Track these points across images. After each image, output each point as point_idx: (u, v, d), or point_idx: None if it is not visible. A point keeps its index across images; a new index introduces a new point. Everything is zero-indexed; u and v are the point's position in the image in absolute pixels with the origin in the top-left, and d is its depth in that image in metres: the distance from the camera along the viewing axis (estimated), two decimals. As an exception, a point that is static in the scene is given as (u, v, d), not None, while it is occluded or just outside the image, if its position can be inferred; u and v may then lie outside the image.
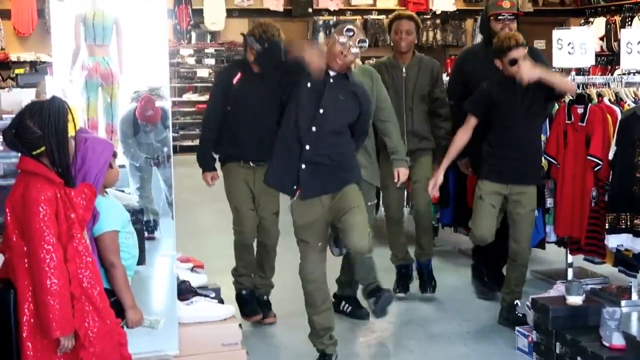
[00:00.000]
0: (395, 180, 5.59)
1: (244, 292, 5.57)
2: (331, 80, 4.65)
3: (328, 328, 4.79)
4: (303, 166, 4.60)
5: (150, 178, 4.64)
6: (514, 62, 5.24)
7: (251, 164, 5.37)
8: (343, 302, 5.80)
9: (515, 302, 5.51)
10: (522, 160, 5.40)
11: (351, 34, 4.58)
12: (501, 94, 5.38)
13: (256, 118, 5.24)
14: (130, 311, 3.71)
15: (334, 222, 4.69)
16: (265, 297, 5.72)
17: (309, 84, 4.60)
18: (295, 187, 4.63)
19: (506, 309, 5.58)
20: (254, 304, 5.55)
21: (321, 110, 4.59)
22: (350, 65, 4.74)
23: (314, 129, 4.58)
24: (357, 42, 4.60)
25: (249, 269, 5.61)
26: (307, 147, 4.58)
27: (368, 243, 4.69)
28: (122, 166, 4.29)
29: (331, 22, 15.38)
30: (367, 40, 4.73)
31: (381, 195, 6.31)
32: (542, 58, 5.96)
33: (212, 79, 5.99)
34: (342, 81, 4.69)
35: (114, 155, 3.83)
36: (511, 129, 5.37)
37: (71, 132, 3.35)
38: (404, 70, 6.01)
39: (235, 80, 5.34)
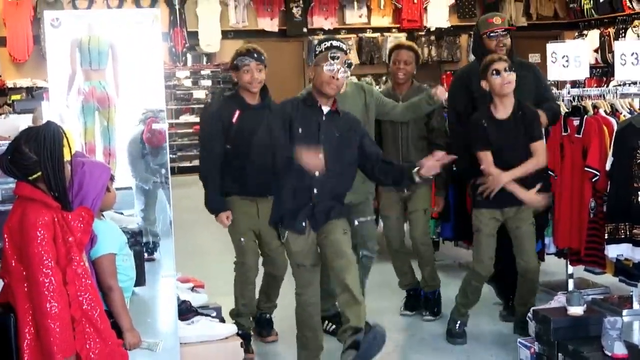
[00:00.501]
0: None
1: (240, 332, 5.24)
2: (324, 119, 4.59)
3: (321, 347, 4.82)
4: (311, 205, 4.57)
5: (156, 200, 4.65)
6: (497, 72, 5.25)
7: (254, 196, 5.31)
8: (326, 322, 5.69)
9: (528, 315, 5.50)
10: (515, 182, 5.34)
11: (336, 59, 4.52)
12: (489, 124, 5.38)
13: (258, 153, 5.15)
14: (128, 334, 3.70)
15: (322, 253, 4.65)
16: (267, 315, 5.71)
17: (300, 130, 4.52)
18: (304, 224, 4.60)
19: (522, 320, 5.56)
20: (249, 346, 5.35)
21: (320, 156, 4.47)
22: (341, 88, 4.67)
23: (317, 173, 4.50)
24: (344, 65, 4.54)
25: (250, 308, 5.47)
26: (315, 191, 4.55)
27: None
28: (120, 189, 4.29)
29: (315, 41, 15.29)
30: (352, 62, 4.66)
31: (382, 225, 6.31)
32: (536, 72, 5.96)
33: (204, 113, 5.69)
34: (333, 117, 4.63)
35: (111, 178, 3.84)
36: (501, 155, 5.34)
37: (67, 157, 3.36)
38: (399, 100, 5.98)
39: (234, 119, 5.22)
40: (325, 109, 4.60)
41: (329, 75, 4.50)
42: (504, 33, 5.85)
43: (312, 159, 4.38)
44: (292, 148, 4.44)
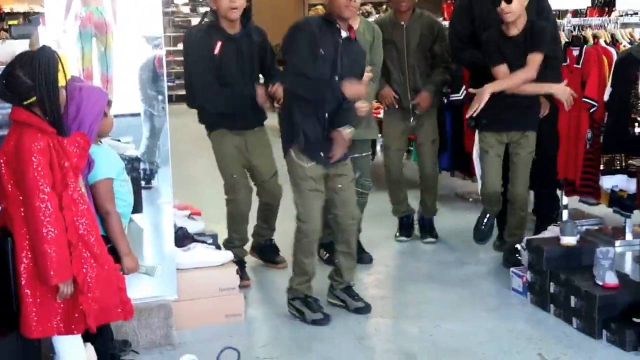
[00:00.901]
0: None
1: (235, 260, 5.20)
2: (341, 42, 4.65)
3: (313, 272, 4.88)
4: (327, 134, 4.65)
5: (162, 127, 4.63)
6: (497, 1, 5.20)
7: (241, 130, 5.28)
8: (321, 250, 5.78)
9: (516, 245, 5.56)
10: (520, 106, 5.35)
11: None
12: (499, 41, 5.35)
13: (241, 84, 5.12)
14: (126, 258, 3.74)
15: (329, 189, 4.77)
16: (271, 241, 5.75)
17: (322, 51, 4.57)
18: (322, 154, 4.67)
19: (508, 251, 5.64)
20: (244, 274, 5.39)
21: (336, 78, 4.60)
22: (358, 9, 4.75)
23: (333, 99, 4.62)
24: None
25: (243, 240, 5.48)
26: (327, 115, 4.63)
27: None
28: (118, 115, 4.29)
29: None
30: None
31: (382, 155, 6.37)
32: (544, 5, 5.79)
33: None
34: (349, 43, 4.71)
35: (109, 103, 3.84)
36: (512, 71, 5.30)
37: (62, 82, 3.35)
38: (405, 27, 6.01)
39: (216, 51, 5.09)
40: (344, 34, 4.67)
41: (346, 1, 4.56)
42: None
43: (357, 89, 4.60)
44: (313, 68, 4.55)
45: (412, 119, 6.09)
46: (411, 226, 6.40)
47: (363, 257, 5.76)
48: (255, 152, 5.31)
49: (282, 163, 4.99)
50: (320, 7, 6.44)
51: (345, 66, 4.65)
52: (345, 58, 4.65)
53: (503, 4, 5.18)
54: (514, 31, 5.28)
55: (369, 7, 15.84)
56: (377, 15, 14.29)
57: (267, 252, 5.77)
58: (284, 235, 5.55)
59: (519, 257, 5.48)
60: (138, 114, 4.65)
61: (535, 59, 5.24)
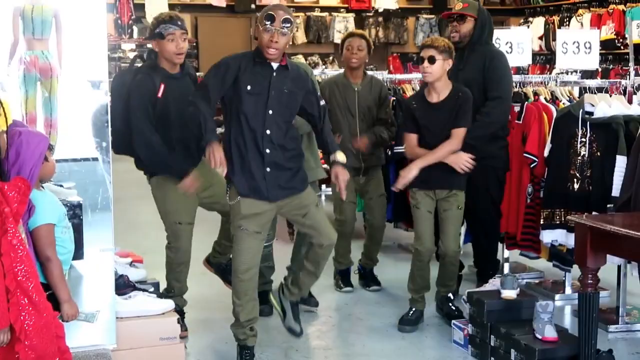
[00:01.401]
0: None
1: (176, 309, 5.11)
2: (274, 75, 4.57)
3: (252, 319, 4.78)
4: (268, 169, 4.57)
5: (105, 172, 4.57)
6: (420, 60, 5.31)
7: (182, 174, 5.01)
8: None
9: (448, 295, 5.61)
10: (445, 166, 5.36)
11: (271, 19, 4.46)
12: (420, 107, 5.44)
13: (183, 128, 4.98)
14: (66, 305, 3.68)
15: (293, 221, 4.78)
16: (229, 261, 5.44)
17: (249, 87, 4.51)
18: (266, 191, 4.59)
19: (440, 300, 5.68)
20: (183, 325, 5.15)
21: (270, 112, 4.52)
22: (285, 48, 4.56)
23: (268, 132, 4.53)
24: (281, 24, 4.46)
25: (182, 290, 5.29)
26: (267, 150, 4.55)
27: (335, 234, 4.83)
28: (60, 160, 4.25)
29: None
30: (291, 19, 4.52)
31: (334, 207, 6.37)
32: (493, 63, 5.78)
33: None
34: (283, 72, 4.60)
35: (50, 148, 3.80)
36: (425, 138, 5.41)
37: (2, 127, 3.32)
38: (356, 89, 6.11)
39: (160, 93, 4.96)
40: (275, 65, 4.58)
41: (267, 38, 4.46)
42: (456, 18, 5.83)
43: (216, 158, 4.38)
44: (240, 104, 4.50)
45: (361, 176, 6.20)
46: (349, 276, 6.45)
47: (310, 301, 5.77)
48: (207, 181, 5.09)
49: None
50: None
51: (279, 98, 4.55)
52: (278, 90, 4.56)
53: (425, 63, 5.27)
54: (434, 98, 5.38)
55: (315, 58, 16.06)
56: (324, 67, 14.47)
57: (226, 273, 5.46)
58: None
59: (452, 307, 5.53)
60: (81, 159, 4.60)
61: (459, 134, 5.33)
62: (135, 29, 15.96)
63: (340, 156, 4.70)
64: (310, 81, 4.83)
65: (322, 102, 4.82)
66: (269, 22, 4.46)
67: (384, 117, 6.21)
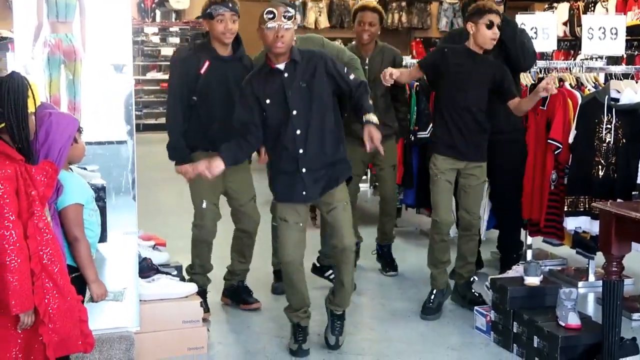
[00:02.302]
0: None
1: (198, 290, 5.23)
2: (285, 76, 4.54)
3: (304, 307, 4.84)
4: (304, 170, 4.57)
5: (130, 156, 4.59)
6: (491, 24, 5.20)
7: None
8: (329, 272, 5.82)
9: (472, 278, 5.58)
10: (474, 137, 5.35)
11: (272, 14, 4.43)
12: (456, 60, 5.36)
13: (226, 107, 5.02)
14: (94, 285, 3.70)
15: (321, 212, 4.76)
16: (244, 282, 5.64)
17: (268, 101, 4.53)
18: (304, 192, 4.61)
19: (462, 287, 5.62)
20: (205, 305, 5.24)
21: (294, 112, 4.52)
22: (291, 42, 4.53)
23: (298, 132, 4.53)
24: (283, 17, 4.43)
25: (205, 268, 5.40)
26: (301, 151, 4.55)
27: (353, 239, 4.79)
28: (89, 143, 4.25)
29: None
30: (291, 10, 4.51)
31: None
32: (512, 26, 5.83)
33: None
34: (293, 69, 4.56)
35: (79, 130, 3.80)
36: (460, 97, 5.30)
37: (31, 109, 3.32)
38: (366, 61, 6.08)
39: (203, 70, 5.08)
40: (282, 66, 4.56)
41: (272, 35, 4.44)
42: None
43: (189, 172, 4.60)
44: (267, 118, 4.53)
45: (367, 148, 6.06)
46: (357, 256, 6.29)
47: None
48: (231, 177, 5.19)
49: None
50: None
51: (299, 97, 4.53)
52: (295, 89, 4.53)
53: (495, 29, 5.20)
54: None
55: (338, 43, 16.00)
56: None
57: (240, 294, 5.62)
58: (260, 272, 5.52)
59: (475, 293, 5.51)
60: (105, 143, 4.61)
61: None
62: (158, 12, 15.97)
63: (373, 117, 4.55)
64: (324, 60, 4.62)
65: (352, 76, 4.65)
66: (270, 19, 4.43)
67: (397, 95, 6.18)
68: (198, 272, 5.35)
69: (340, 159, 4.71)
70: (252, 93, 4.56)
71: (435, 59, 5.49)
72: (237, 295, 5.63)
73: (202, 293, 5.22)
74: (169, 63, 5.90)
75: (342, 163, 4.72)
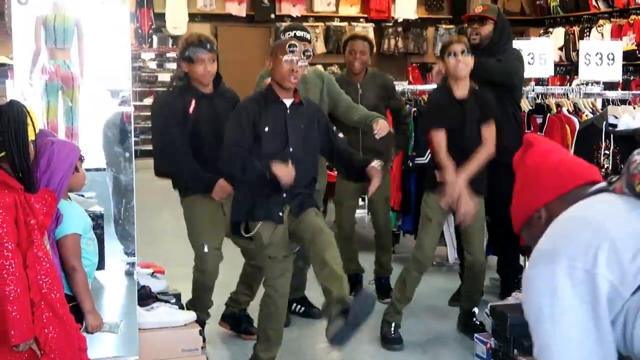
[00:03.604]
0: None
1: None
2: (288, 112, 4.55)
3: (280, 341, 4.78)
4: (284, 195, 4.52)
5: (128, 183, 4.57)
6: (454, 54, 5.10)
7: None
8: (294, 304, 5.82)
9: (472, 310, 5.56)
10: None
11: (293, 48, 4.44)
12: (449, 102, 5.27)
13: (217, 143, 4.87)
14: (90, 316, 3.69)
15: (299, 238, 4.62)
16: (245, 310, 5.60)
17: (266, 128, 4.49)
18: (280, 214, 4.55)
19: (464, 316, 5.62)
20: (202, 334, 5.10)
21: (291, 149, 4.51)
22: (298, 79, 4.56)
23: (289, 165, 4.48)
24: (302, 55, 4.47)
25: (204, 309, 5.29)
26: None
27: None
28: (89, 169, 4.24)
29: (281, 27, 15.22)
30: (310, 49, 4.57)
31: (334, 210, 6.40)
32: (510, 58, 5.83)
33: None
34: (297, 109, 4.59)
35: (81, 159, 3.78)
36: (456, 135, 5.20)
37: (31, 137, 3.32)
38: (359, 86, 6.11)
39: (191, 109, 5.00)
40: (288, 102, 4.56)
41: (287, 68, 4.44)
42: (477, 20, 5.81)
43: (285, 171, 4.34)
44: (260, 147, 4.46)
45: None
46: (361, 284, 6.36)
47: (314, 313, 5.75)
48: None
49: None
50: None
51: (297, 134, 4.55)
52: (296, 127, 4.55)
53: (459, 56, 5.09)
54: (460, 94, 5.19)
55: (334, 68, 16.03)
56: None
57: (242, 323, 5.57)
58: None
59: (477, 322, 5.48)
60: (103, 169, 4.60)
61: (491, 133, 5.20)
62: (155, 38, 16.02)
63: (377, 161, 4.61)
64: (322, 113, 4.81)
65: (340, 135, 4.80)
66: (291, 52, 4.43)
67: (396, 105, 6.22)
68: (199, 309, 5.22)
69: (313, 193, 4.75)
70: (248, 117, 4.52)
71: (438, 114, 5.33)
72: (238, 324, 5.58)
73: (200, 324, 5.15)
74: (166, 89, 5.80)
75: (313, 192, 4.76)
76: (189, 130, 5.01)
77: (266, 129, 4.51)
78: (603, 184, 2.19)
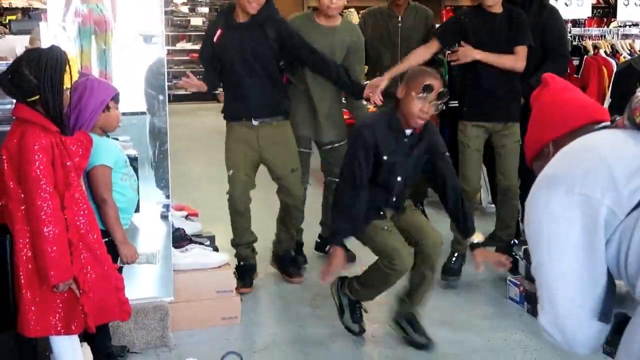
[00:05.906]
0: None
1: (241, 263, 5.30)
2: (405, 141, 4.36)
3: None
4: (388, 210, 4.50)
5: (162, 126, 4.60)
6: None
7: (254, 122, 5.08)
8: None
9: (512, 241, 5.53)
10: (500, 98, 5.29)
11: (429, 91, 4.17)
12: (476, 21, 5.29)
13: (248, 74, 4.97)
14: (122, 246, 3.71)
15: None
16: (289, 251, 5.59)
17: (385, 157, 4.31)
18: (381, 213, 4.49)
19: (502, 249, 5.55)
20: (246, 279, 5.26)
21: (399, 179, 4.40)
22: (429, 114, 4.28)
23: (394, 199, 4.46)
24: (437, 97, 4.20)
25: (244, 239, 5.28)
26: (394, 198, 4.46)
27: None
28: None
29: None
30: (447, 93, 4.26)
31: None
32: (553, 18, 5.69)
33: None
34: (415, 140, 4.38)
35: (115, 98, 3.77)
36: (481, 47, 5.23)
37: (67, 84, 3.32)
38: (400, 19, 6.00)
39: (215, 38, 5.00)
40: (408, 131, 4.36)
41: (418, 108, 4.19)
42: None
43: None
44: (377, 171, 4.35)
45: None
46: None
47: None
48: (267, 147, 5.12)
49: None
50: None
51: (408, 162, 4.41)
52: (409, 156, 4.40)
53: None
54: (494, 9, 5.22)
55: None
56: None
57: (284, 265, 5.56)
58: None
59: (515, 255, 5.46)
60: (136, 113, 4.63)
61: (522, 52, 5.21)
62: (186, -18, 15.94)
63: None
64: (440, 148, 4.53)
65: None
66: (425, 93, 4.18)
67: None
68: (237, 243, 5.30)
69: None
70: (374, 144, 4.32)
71: (452, 29, 5.41)
72: (282, 264, 5.58)
73: (244, 268, 5.28)
74: (198, 33, 5.90)
75: None
76: (217, 60, 5.07)
77: (385, 157, 4.33)
78: (609, 122, 2.25)
